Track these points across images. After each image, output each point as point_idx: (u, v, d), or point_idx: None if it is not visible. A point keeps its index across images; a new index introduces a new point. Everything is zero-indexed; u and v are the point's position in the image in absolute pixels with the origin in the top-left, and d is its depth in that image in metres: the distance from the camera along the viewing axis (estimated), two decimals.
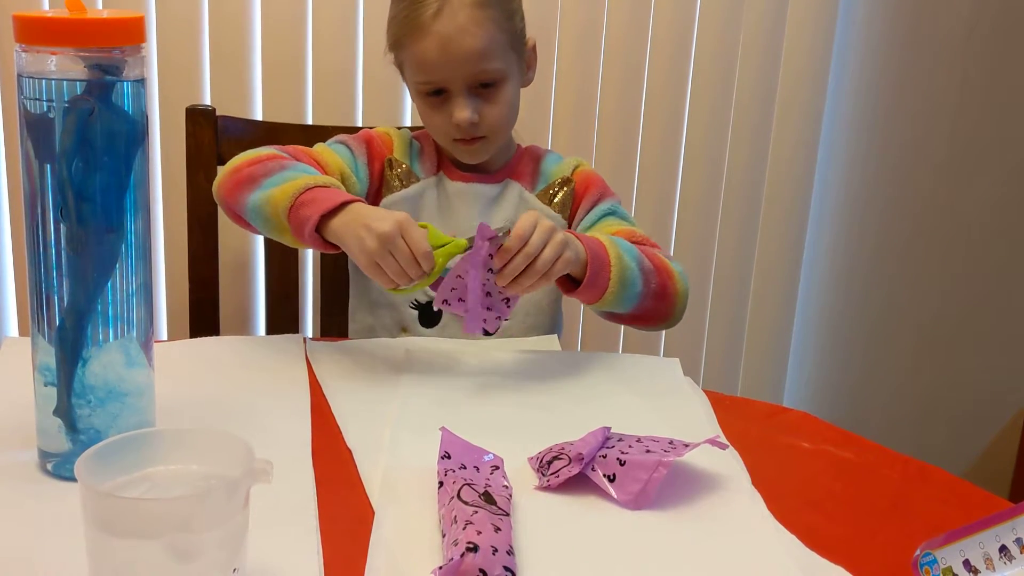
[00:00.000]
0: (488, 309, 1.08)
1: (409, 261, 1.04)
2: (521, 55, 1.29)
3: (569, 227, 1.34)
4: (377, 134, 1.35)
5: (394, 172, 1.31)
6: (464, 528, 0.72)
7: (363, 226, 1.05)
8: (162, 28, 1.70)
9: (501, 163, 1.35)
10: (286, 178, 1.14)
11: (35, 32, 0.78)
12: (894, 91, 2.08)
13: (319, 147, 1.30)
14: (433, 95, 1.25)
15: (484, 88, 1.24)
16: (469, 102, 1.23)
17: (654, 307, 1.20)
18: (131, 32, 0.80)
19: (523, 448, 0.92)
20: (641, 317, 1.22)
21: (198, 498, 0.64)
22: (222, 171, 1.22)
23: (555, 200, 1.33)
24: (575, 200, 1.34)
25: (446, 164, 1.34)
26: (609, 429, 0.90)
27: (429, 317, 1.29)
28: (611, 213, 1.32)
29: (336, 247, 1.10)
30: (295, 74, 1.75)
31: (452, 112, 1.24)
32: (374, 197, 1.32)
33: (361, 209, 1.09)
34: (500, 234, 1.05)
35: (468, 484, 0.79)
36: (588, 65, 1.86)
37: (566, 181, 1.34)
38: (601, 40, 1.85)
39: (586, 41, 1.84)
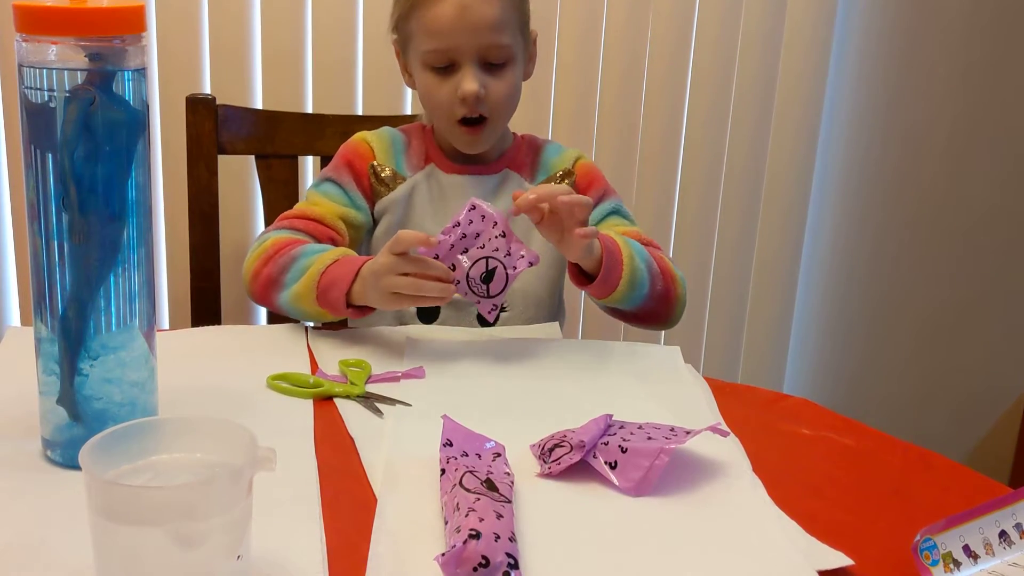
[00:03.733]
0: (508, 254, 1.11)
1: (416, 264, 1.07)
2: (527, 42, 1.29)
3: None
4: (354, 149, 1.33)
5: (380, 179, 1.31)
6: (466, 515, 0.72)
7: (372, 287, 1.10)
8: (162, 17, 1.70)
9: (497, 153, 1.34)
10: (300, 269, 1.16)
11: (35, 21, 0.78)
12: (895, 83, 2.07)
13: (311, 196, 1.30)
14: (440, 69, 1.24)
15: (492, 66, 1.24)
16: (477, 75, 1.23)
17: (656, 309, 1.23)
18: (131, 21, 0.80)
19: (525, 435, 0.92)
20: (643, 317, 1.24)
21: (202, 486, 0.64)
22: (245, 277, 1.23)
23: None
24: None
25: (438, 156, 1.33)
26: (611, 416, 0.90)
27: (427, 313, 1.29)
28: (615, 212, 1.33)
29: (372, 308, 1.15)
30: (295, 63, 1.75)
31: (459, 84, 1.23)
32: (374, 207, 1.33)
33: (366, 269, 1.12)
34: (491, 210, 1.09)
35: (470, 471, 0.79)
36: (588, 59, 1.85)
37: (567, 173, 1.34)
38: (601, 34, 1.85)
39: (586, 35, 1.84)
